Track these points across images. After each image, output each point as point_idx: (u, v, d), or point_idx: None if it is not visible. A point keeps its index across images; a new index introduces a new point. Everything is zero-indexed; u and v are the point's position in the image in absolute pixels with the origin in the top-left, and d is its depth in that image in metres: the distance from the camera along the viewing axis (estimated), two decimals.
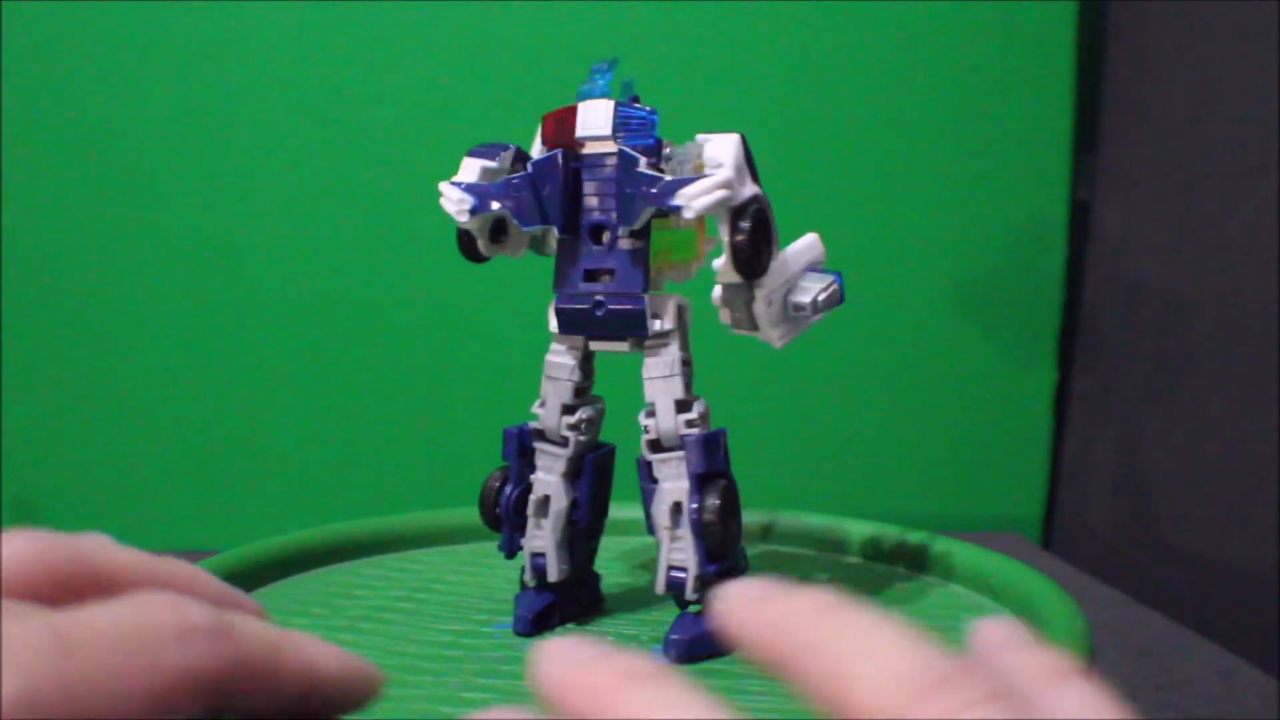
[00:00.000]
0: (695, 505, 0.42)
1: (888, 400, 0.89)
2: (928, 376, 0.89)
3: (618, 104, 0.42)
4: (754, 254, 0.40)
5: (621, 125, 0.42)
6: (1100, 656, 0.42)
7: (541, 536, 0.46)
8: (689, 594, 0.42)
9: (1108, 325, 0.87)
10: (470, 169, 0.44)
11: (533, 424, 0.46)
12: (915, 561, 0.55)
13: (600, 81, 0.43)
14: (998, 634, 0.24)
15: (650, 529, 0.43)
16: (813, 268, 0.43)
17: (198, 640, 0.24)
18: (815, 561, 0.57)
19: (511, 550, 0.47)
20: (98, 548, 0.28)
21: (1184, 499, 0.76)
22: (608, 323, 0.43)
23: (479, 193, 0.44)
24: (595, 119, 0.43)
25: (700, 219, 0.42)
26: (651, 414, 0.43)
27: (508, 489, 0.47)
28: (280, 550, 0.54)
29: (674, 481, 0.43)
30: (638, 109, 0.42)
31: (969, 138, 0.88)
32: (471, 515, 0.61)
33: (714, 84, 0.85)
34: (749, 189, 0.41)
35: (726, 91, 0.85)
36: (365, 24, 0.83)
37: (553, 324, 0.45)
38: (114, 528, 0.86)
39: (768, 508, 0.61)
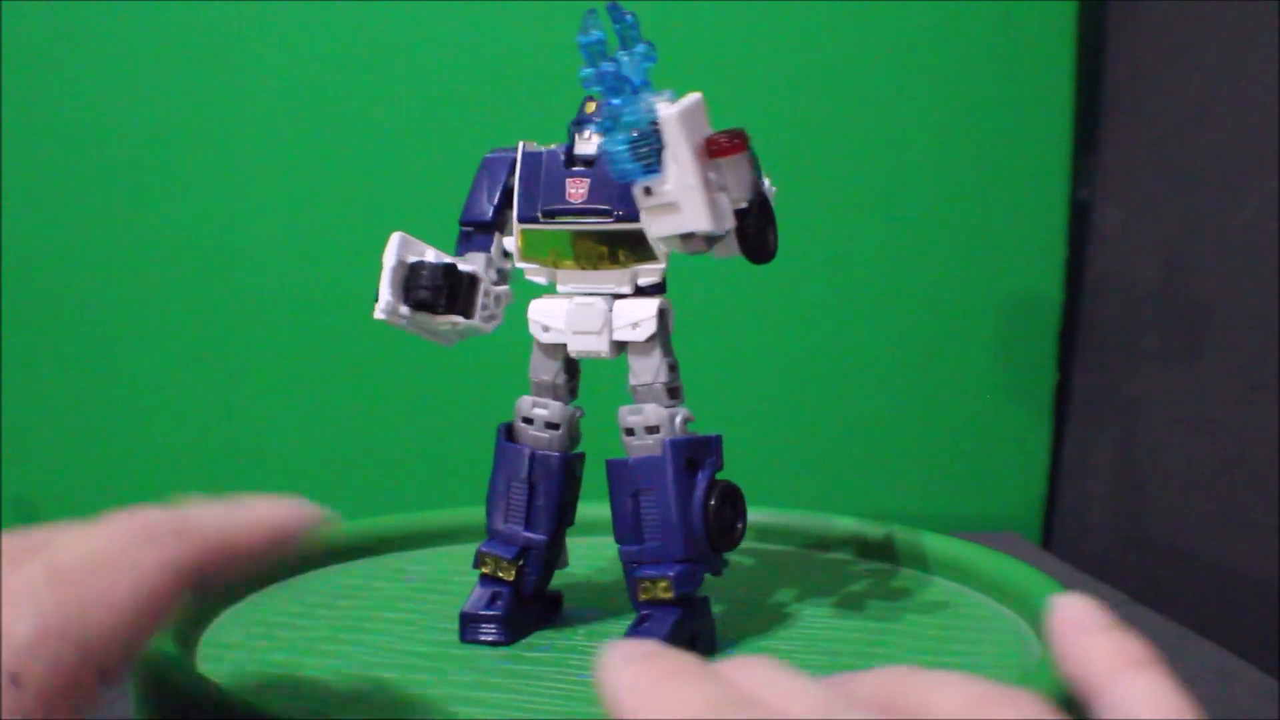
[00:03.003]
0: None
1: (887, 400, 0.89)
2: (928, 376, 0.89)
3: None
4: None
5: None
6: None
7: None
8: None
9: (1108, 325, 0.87)
10: None
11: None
12: (915, 561, 0.55)
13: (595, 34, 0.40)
14: (1079, 615, 0.26)
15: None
16: None
17: (163, 539, 0.29)
18: (814, 561, 0.57)
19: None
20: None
21: (1184, 499, 0.76)
22: None
23: None
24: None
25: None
26: None
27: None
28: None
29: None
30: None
31: (969, 138, 0.88)
32: (472, 515, 0.62)
33: (713, 84, 0.84)
34: None
35: (726, 91, 0.85)
36: (366, 24, 0.83)
37: None
38: None
39: (767, 507, 0.61)
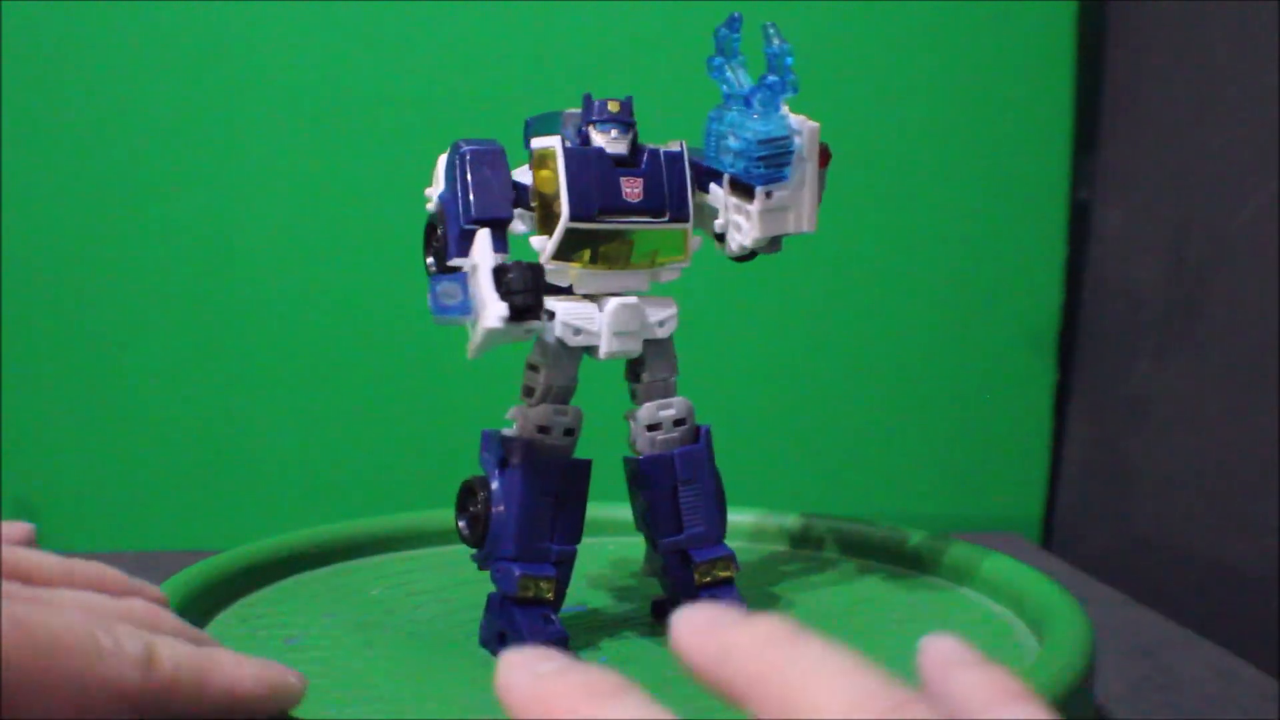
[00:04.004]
0: None
1: (887, 400, 0.89)
2: (927, 376, 0.89)
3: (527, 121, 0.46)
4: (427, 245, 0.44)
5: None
6: (1100, 656, 0.42)
7: None
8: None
9: (1108, 325, 0.87)
10: None
11: None
12: (915, 561, 0.55)
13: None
14: (946, 653, 0.24)
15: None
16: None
17: (126, 660, 0.27)
18: (814, 561, 0.57)
19: None
20: (11, 553, 0.31)
21: (1184, 499, 0.76)
22: None
23: None
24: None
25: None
26: None
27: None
28: (280, 550, 0.54)
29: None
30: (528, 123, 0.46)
31: (969, 138, 0.88)
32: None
33: (712, 85, 0.84)
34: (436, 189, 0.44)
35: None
36: (366, 24, 0.83)
37: None
38: (114, 528, 0.86)
39: (765, 507, 0.61)
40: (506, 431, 0.44)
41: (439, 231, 0.43)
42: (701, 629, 0.23)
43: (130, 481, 0.84)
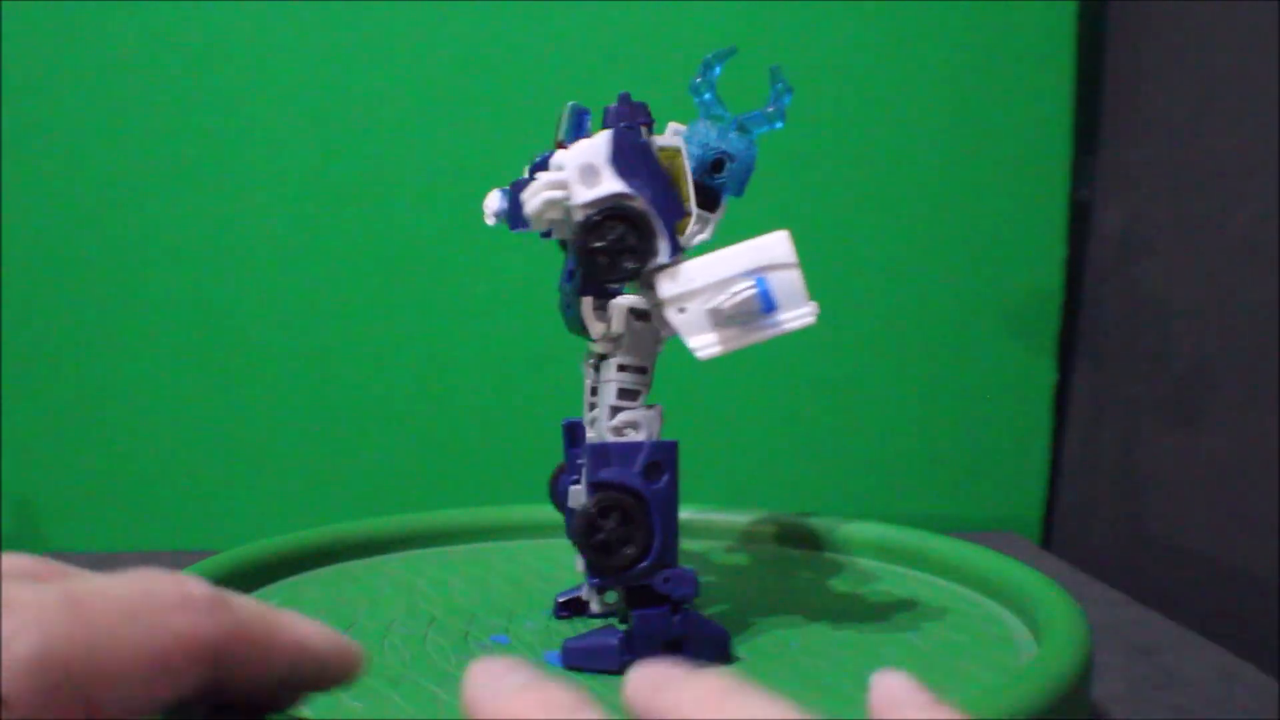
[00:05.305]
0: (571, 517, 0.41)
1: (887, 400, 0.89)
2: (927, 376, 0.89)
3: (573, 107, 0.43)
4: (589, 259, 0.38)
5: (570, 130, 0.42)
6: (1100, 656, 0.42)
7: None
8: (592, 606, 0.42)
9: (1108, 325, 0.87)
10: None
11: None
12: (915, 561, 0.55)
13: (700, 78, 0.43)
14: (897, 691, 0.25)
15: None
16: (766, 270, 0.40)
17: (198, 608, 0.26)
18: (815, 562, 0.57)
19: None
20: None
21: (1184, 499, 0.76)
22: (572, 323, 0.44)
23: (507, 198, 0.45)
24: (563, 124, 0.43)
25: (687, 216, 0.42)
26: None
27: (563, 478, 0.47)
28: (280, 550, 0.54)
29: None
30: (583, 113, 0.43)
31: (969, 138, 0.88)
32: (473, 516, 0.62)
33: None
34: (602, 189, 0.39)
35: (725, 91, 0.85)
36: (367, 25, 0.83)
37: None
38: (114, 528, 0.86)
39: (766, 508, 0.62)
40: (636, 437, 0.42)
41: (633, 226, 0.39)
42: (650, 685, 0.24)
43: (130, 481, 0.84)
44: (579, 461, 0.45)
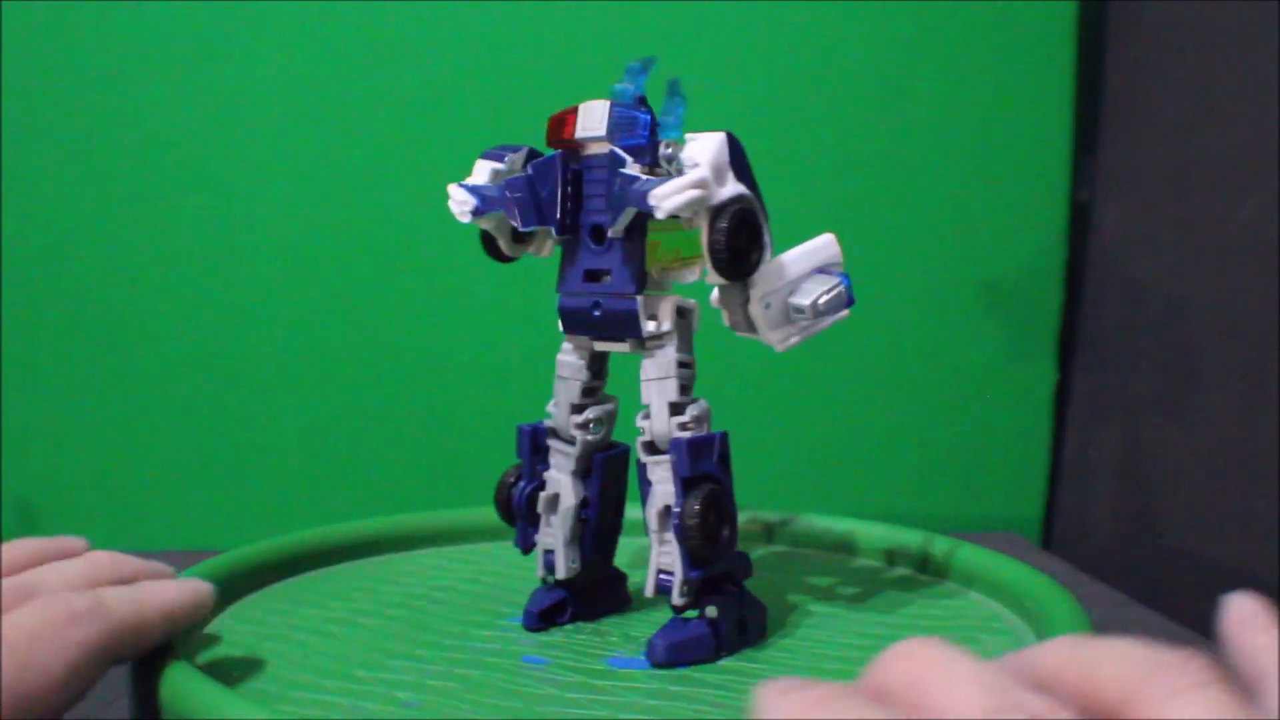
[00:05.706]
0: (678, 510, 0.41)
1: (888, 400, 0.89)
2: (928, 376, 0.89)
3: (614, 104, 0.42)
4: (733, 256, 0.40)
5: (616, 126, 0.42)
6: None
7: (551, 533, 0.46)
8: (675, 599, 0.42)
9: (1108, 325, 0.87)
10: (481, 171, 0.45)
11: (546, 422, 0.47)
12: (916, 561, 0.55)
13: (631, 84, 0.43)
14: (1246, 613, 0.27)
15: (647, 530, 0.43)
16: (823, 269, 0.43)
17: (85, 621, 0.33)
18: (817, 562, 0.58)
19: (526, 546, 0.47)
20: None
21: (1184, 499, 0.76)
22: (605, 323, 0.43)
23: (482, 194, 0.44)
24: (591, 120, 0.43)
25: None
26: (648, 416, 0.43)
27: (520, 485, 0.47)
28: (280, 550, 0.54)
29: (665, 484, 0.42)
30: (632, 110, 0.42)
31: (969, 138, 0.88)
32: (472, 515, 0.62)
33: (713, 85, 0.85)
34: (730, 188, 0.40)
35: (725, 92, 0.85)
36: (367, 24, 0.83)
37: (561, 323, 0.45)
38: (114, 528, 0.86)
39: (768, 508, 0.62)
40: (701, 430, 0.43)
41: (752, 226, 0.41)
42: (778, 694, 0.25)
43: (130, 481, 0.84)
44: (539, 468, 0.46)
